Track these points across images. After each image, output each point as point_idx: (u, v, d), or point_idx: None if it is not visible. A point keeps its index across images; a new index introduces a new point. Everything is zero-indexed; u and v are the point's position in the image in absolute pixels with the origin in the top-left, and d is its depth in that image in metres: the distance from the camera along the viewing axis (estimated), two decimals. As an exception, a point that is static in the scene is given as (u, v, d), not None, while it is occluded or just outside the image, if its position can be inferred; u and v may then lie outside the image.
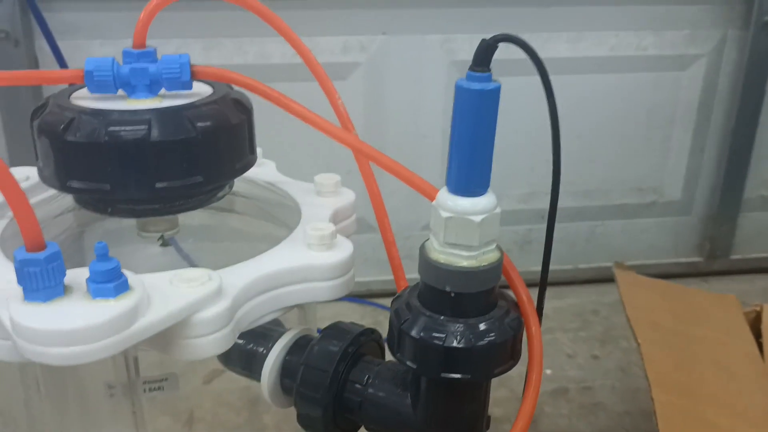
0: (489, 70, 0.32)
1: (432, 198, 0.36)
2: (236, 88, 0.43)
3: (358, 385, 0.40)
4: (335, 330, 0.42)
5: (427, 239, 0.36)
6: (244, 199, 0.46)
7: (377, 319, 1.15)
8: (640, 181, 1.25)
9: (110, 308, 0.32)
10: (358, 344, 0.41)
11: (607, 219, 1.27)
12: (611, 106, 1.19)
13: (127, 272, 0.33)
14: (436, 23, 1.12)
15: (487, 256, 0.34)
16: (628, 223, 1.27)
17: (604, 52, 1.17)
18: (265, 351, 0.43)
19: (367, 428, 0.41)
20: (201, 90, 0.42)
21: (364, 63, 1.13)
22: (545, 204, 1.35)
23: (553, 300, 1.18)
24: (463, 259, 0.34)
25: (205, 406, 0.63)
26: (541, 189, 1.23)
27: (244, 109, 0.42)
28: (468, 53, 1.18)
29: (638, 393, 0.98)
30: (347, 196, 0.48)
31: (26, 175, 0.47)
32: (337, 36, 1.11)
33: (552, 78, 0.36)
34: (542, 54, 1.21)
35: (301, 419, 0.41)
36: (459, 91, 0.32)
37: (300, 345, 0.43)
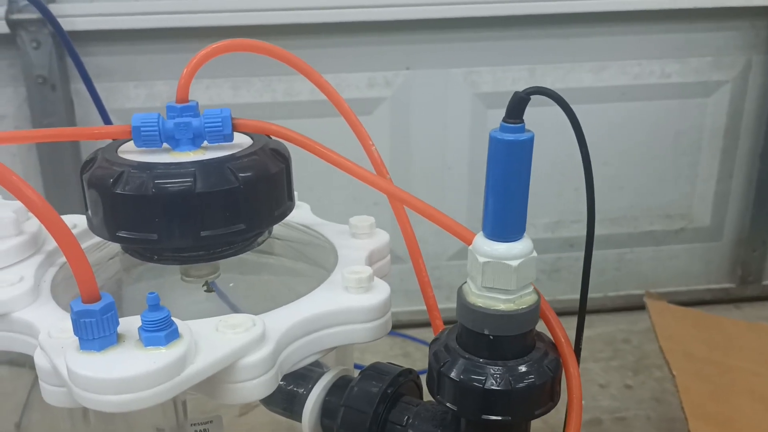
0: (522, 121, 0.33)
1: (468, 242, 0.37)
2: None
3: (398, 426, 0.41)
4: (374, 371, 0.42)
5: (464, 283, 0.37)
6: (282, 242, 0.48)
7: (406, 350, 1.16)
8: (669, 208, 1.25)
9: (162, 356, 0.33)
10: (397, 385, 0.42)
11: (636, 246, 1.27)
12: (637, 134, 1.20)
13: (176, 320, 0.35)
14: (459, 56, 1.14)
15: (525, 299, 0.35)
16: (657, 250, 1.27)
17: (627, 81, 1.18)
18: (305, 392, 0.44)
19: (407, 468, 0.41)
20: (241, 141, 0.44)
21: (389, 98, 1.15)
22: (573, 232, 1.37)
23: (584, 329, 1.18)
24: (500, 303, 0.35)
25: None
26: (568, 217, 1.23)
27: (283, 159, 0.43)
28: (491, 85, 1.21)
29: (674, 422, 0.96)
30: (382, 237, 0.49)
31: (74, 223, 0.49)
32: (363, 72, 1.14)
33: (576, 107, 0.37)
34: (565, 84, 1.23)
35: (343, 459, 0.42)
36: (493, 141, 0.33)
37: (339, 386, 0.43)
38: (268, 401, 0.45)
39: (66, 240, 0.32)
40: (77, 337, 0.33)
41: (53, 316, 0.40)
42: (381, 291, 0.42)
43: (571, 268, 1.27)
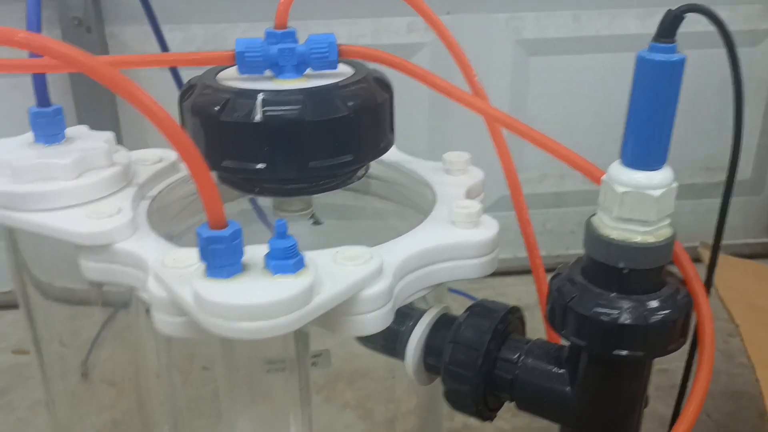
0: (674, 41, 0.31)
1: (590, 174, 0.36)
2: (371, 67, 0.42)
3: (509, 363, 0.40)
4: (482, 308, 0.41)
5: (593, 215, 0.36)
6: (376, 180, 0.46)
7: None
8: (710, 160, 1.23)
9: (292, 284, 0.32)
10: (506, 322, 0.41)
11: (686, 198, 1.25)
12: (682, 83, 1.17)
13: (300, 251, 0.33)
14: (501, 1, 1.11)
15: (663, 231, 0.34)
16: (696, 204, 1.25)
17: (674, 28, 1.14)
18: (407, 330, 0.43)
19: (518, 405, 0.41)
20: (342, 69, 0.42)
21: (429, 43, 1.12)
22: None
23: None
24: (638, 235, 0.34)
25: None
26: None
27: (387, 88, 0.41)
28: (534, 31, 1.17)
29: (719, 375, 0.96)
30: (477, 174, 0.48)
31: (159, 156, 0.47)
32: (403, 16, 1.10)
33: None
34: (611, 31, 1.19)
35: (450, 395, 0.41)
36: (641, 62, 0.32)
37: (442, 323, 0.42)
38: (368, 339, 0.44)
39: (196, 162, 0.31)
40: (204, 264, 0.32)
41: (158, 247, 0.38)
42: (490, 226, 0.40)
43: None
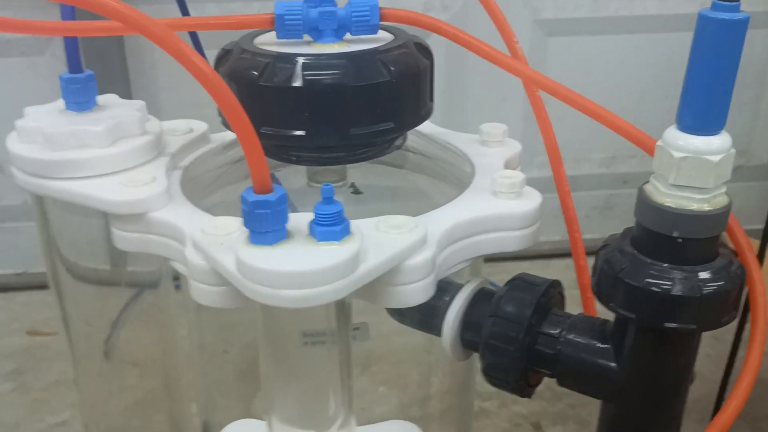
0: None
1: (636, 140, 0.35)
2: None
3: (552, 337, 0.39)
4: (522, 282, 0.40)
5: (646, 182, 0.35)
6: (412, 153, 0.45)
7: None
8: (735, 143, 1.21)
9: (338, 252, 0.31)
10: (549, 296, 0.40)
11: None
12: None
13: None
14: (519, -20, 1.09)
15: (719, 199, 0.33)
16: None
17: (695, 8, 1.12)
18: (443, 305, 0.42)
19: (559, 382, 0.40)
20: (381, 35, 0.41)
21: (447, 21, 1.10)
22: (628, 168, 1.32)
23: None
24: (694, 202, 0.33)
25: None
26: (624, 153, 1.20)
27: (429, 54, 0.40)
28: (552, 11, 1.15)
29: (736, 360, 0.95)
30: (514, 146, 0.46)
31: (189, 127, 0.46)
32: (418, -8, 1.09)
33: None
34: (630, 11, 1.17)
35: (489, 370, 0.40)
36: (703, 21, 0.31)
37: (480, 298, 0.41)
38: (404, 314, 0.43)
39: (243, 126, 0.30)
40: (248, 231, 0.31)
41: (195, 216, 0.37)
42: (533, 197, 0.39)
43: (623, 205, 1.24)
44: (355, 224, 0.33)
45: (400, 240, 0.34)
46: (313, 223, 0.32)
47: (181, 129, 0.45)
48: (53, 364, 0.92)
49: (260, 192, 0.31)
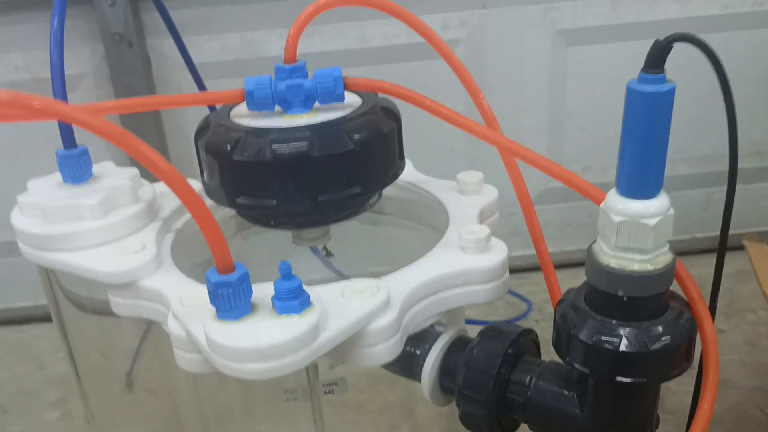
0: (663, 71, 0.31)
1: (595, 199, 0.36)
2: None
3: (521, 386, 0.40)
4: (493, 331, 0.42)
5: (594, 242, 0.36)
6: (391, 201, 0.47)
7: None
8: (759, 145, 1.19)
9: (297, 324, 0.33)
10: (518, 345, 0.41)
11: (723, 185, 1.21)
12: (726, 66, 1.13)
13: (306, 287, 0.35)
14: (537, -8, 1.10)
15: (661, 259, 0.34)
16: (746, 189, 1.22)
17: (717, 11, 1.11)
18: (422, 353, 0.44)
19: (531, 428, 0.41)
20: (351, 100, 0.43)
21: (465, 39, 1.11)
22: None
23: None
24: (636, 263, 0.34)
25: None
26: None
27: (394, 117, 0.42)
28: (571, 21, 1.15)
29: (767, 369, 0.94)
30: (491, 193, 0.48)
31: (183, 188, 0.49)
32: (437, 13, 1.10)
33: None
34: (651, 17, 1.16)
35: (464, 418, 0.42)
36: (631, 93, 0.32)
37: (457, 346, 0.43)
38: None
39: (200, 212, 0.32)
40: (214, 307, 0.34)
41: (179, 284, 0.40)
42: (499, 251, 0.41)
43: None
44: (316, 294, 0.35)
45: (362, 305, 0.36)
46: (274, 298, 0.34)
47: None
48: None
49: (223, 271, 0.33)
